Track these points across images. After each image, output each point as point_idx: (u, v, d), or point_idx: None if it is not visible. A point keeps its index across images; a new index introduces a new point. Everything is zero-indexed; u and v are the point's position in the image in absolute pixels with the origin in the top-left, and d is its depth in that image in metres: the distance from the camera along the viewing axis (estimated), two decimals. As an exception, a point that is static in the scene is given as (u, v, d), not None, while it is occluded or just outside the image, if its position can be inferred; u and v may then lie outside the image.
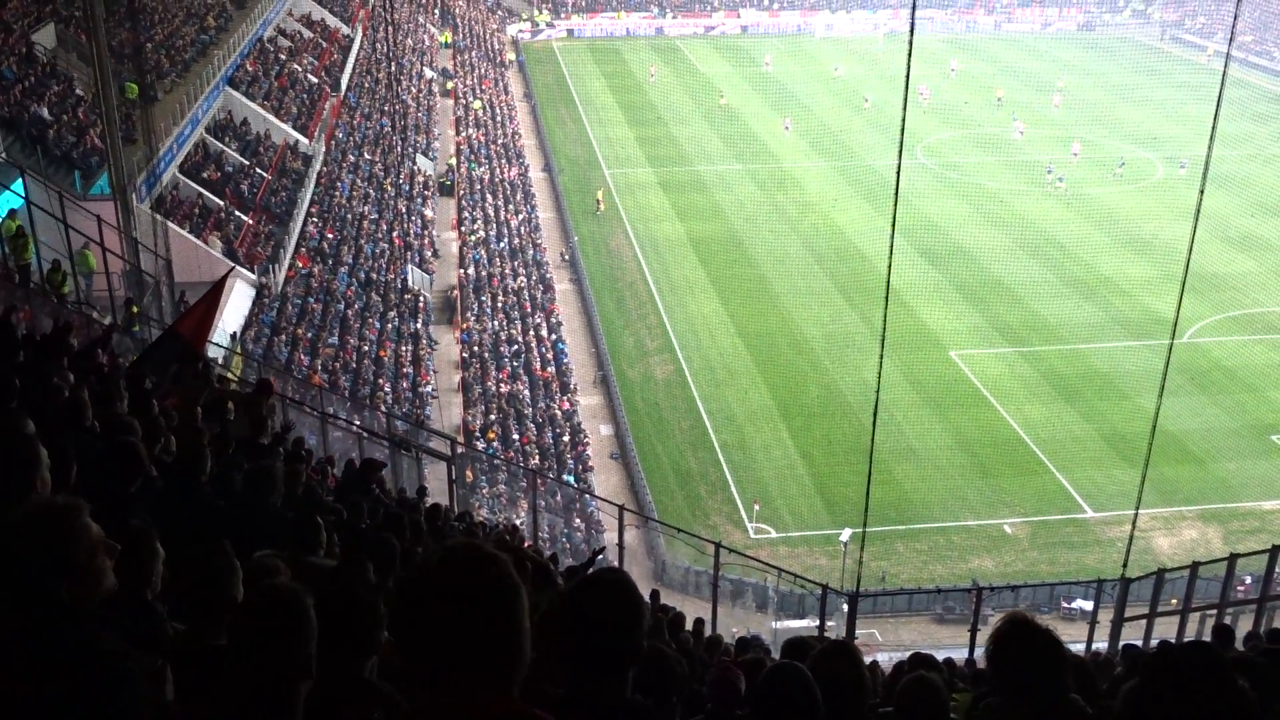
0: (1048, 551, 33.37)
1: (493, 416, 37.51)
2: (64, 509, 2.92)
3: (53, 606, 2.82)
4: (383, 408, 33.16)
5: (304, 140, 51.65)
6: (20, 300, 18.98)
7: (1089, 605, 25.02)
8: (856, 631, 21.15)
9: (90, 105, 34.19)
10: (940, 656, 25.77)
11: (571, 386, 41.19)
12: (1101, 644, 19.97)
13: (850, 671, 4.14)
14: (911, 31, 23.36)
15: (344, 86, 64.19)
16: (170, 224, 33.59)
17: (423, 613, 2.21)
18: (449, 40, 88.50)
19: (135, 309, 23.51)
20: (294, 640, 2.80)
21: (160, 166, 35.38)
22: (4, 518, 2.87)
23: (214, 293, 13.47)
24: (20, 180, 23.37)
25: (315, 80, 60.24)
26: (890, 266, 20.49)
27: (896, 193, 21.54)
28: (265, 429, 10.53)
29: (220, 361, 21.95)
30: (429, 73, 78.89)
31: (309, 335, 37.29)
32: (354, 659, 3.21)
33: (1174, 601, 19.64)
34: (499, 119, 73.13)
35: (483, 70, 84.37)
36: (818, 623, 21.76)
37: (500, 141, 68.59)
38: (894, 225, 22.88)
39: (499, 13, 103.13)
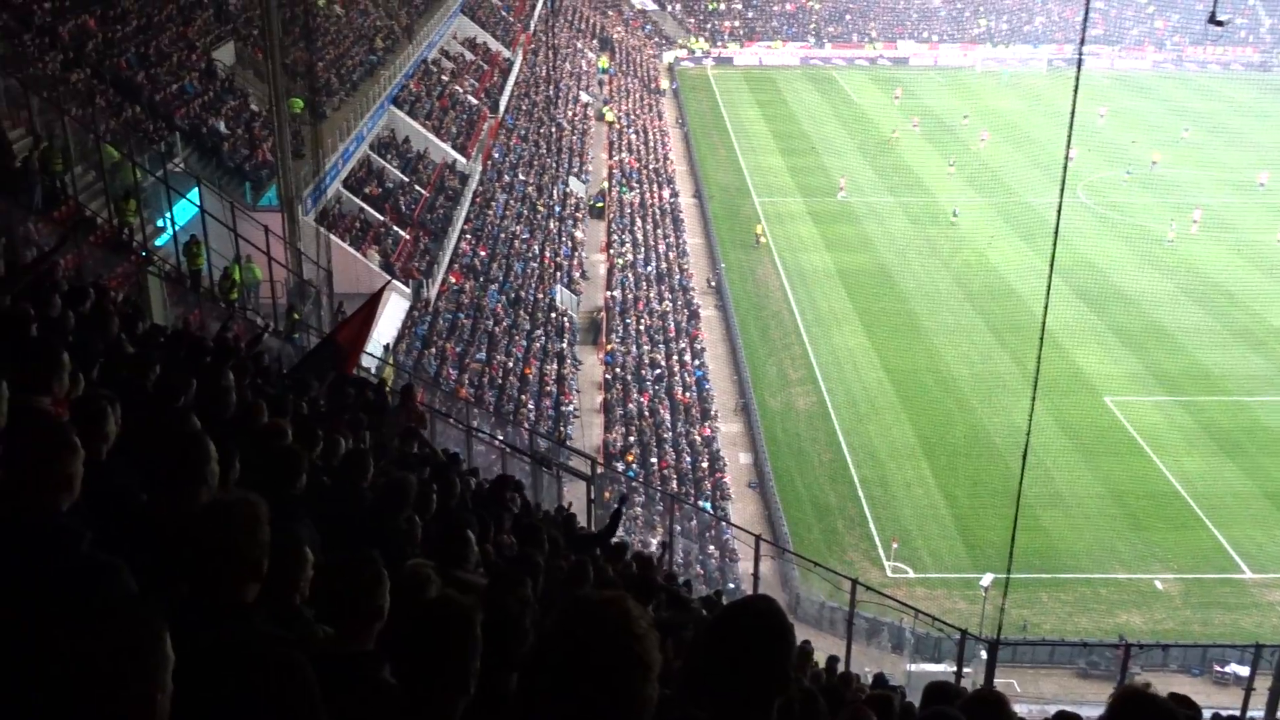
0: (1201, 611, 31.83)
1: (632, 439, 37.65)
2: (249, 505, 3.00)
3: (227, 599, 2.89)
4: (525, 424, 33.60)
5: (462, 159, 52.93)
6: (191, 304, 19.83)
7: (1244, 671, 23.81)
8: (995, 680, 20.48)
9: (264, 121, 35.65)
10: (1084, 714, 24.83)
11: (712, 413, 41.09)
12: (1256, 712, 18.96)
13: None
14: (1079, 67, 22.73)
15: (502, 108, 65.64)
16: (332, 236, 34.75)
17: (549, 677, 2.17)
18: (606, 65, 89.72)
19: (296, 316, 24.36)
20: (461, 655, 2.81)
21: (325, 181, 36.67)
22: (186, 509, 2.95)
23: (371, 305, 13.84)
24: (196, 189, 24.43)
25: (475, 101, 61.73)
26: (1047, 307, 19.90)
27: (1056, 231, 20.96)
28: (416, 437, 10.74)
29: (373, 371, 22.54)
30: (585, 97, 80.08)
31: (458, 350, 38.09)
32: (500, 674, 3.20)
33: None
34: (651, 144, 73.75)
35: (638, 96, 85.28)
36: (954, 668, 21.17)
37: (652, 166, 69.14)
38: (1052, 264, 22.19)
39: (656, 39, 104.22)
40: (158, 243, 22.69)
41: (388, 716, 2.83)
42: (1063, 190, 21.79)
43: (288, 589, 3.43)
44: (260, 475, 4.96)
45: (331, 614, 3.53)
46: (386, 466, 7.66)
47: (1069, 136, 18.43)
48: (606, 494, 24.96)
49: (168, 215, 23.11)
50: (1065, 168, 19.20)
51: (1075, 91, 19.11)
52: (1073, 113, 18.00)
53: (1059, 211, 19.28)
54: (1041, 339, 21.05)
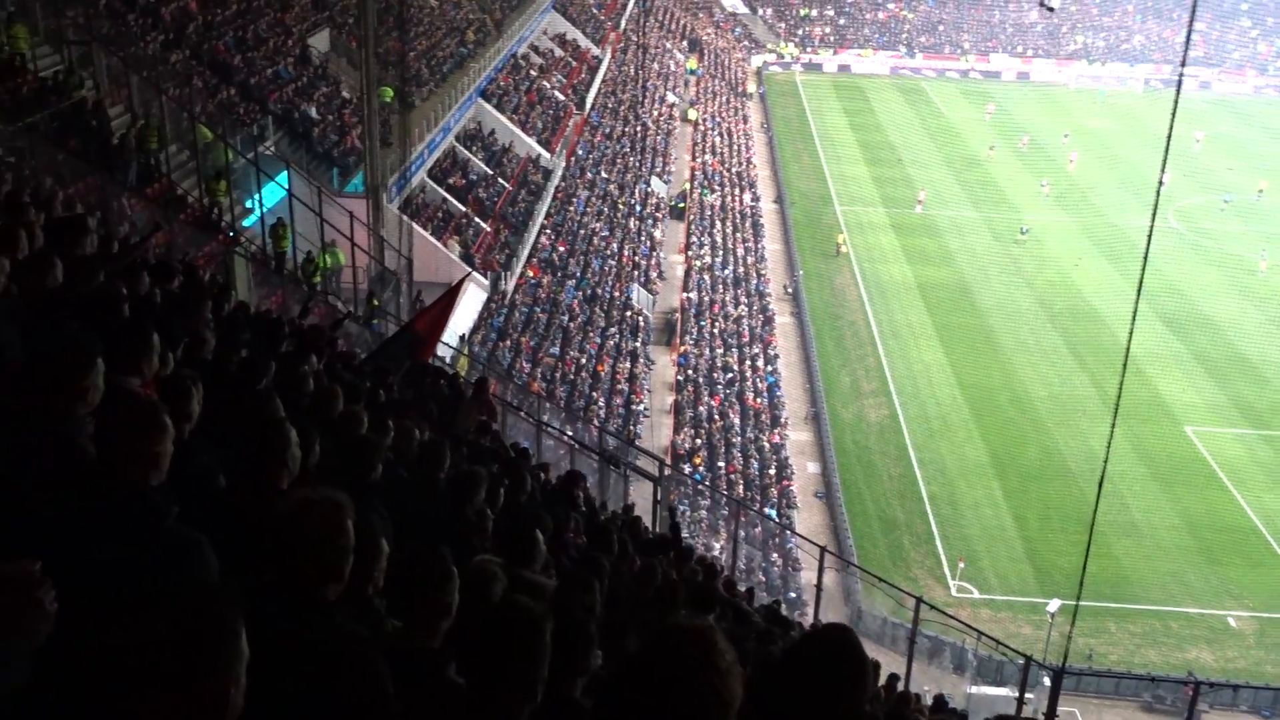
0: (1276, 652, 30.97)
1: (700, 441, 37.58)
2: (335, 507, 3.03)
3: (308, 596, 2.92)
4: (595, 422, 33.70)
5: (546, 154, 53.23)
6: (274, 285, 20.17)
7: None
8: (1058, 709, 20.12)
9: (354, 108, 36.16)
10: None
11: (782, 420, 40.89)
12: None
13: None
14: (1178, 89, 22.22)
15: (589, 105, 65.88)
16: (415, 225, 35.14)
17: (628, 704, 2.14)
18: (694, 67, 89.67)
19: (375, 303, 24.68)
20: (530, 662, 2.81)
21: (411, 170, 37.09)
22: (266, 494, 2.99)
23: (450, 295, 13.96)
24: (285, 173, 24.87)
25: (562, 97, 62.05)
26: (1132, 331, 19.49)
27: (1146, 255, 20.44)
28: (488, 430, 10.81)
29: (447, 361, 22.75)
30: (671, 97, 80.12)
31: (532, 344, 38.31)
32: (565, 680, 3.20)
33: None
34: (735, 147, 73.58)
35: (724, 98, 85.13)
36: (1017, 693, 20.85)
37: (734, 170, 68.99)
38: (1140, 289, 21.75)
39: (745, 43, 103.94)
40: (245, 223, 23.14)
41: (452, 715, 2.84)
42: (1154, 214, 21.33)
43: (362, 580, 3.46)
44: (336, 462, 5.02)
45: (400, 609, 3.56)
46: (458, 459, 7.71)
47: (1164, 159, 18.04)
48: (671, 496, 24.96)
49: (256, 197, 23.53)
50: (1159, 191, 18.75)
51: (1173, 114, 18.69)
52: (1169, 135, 17.57)
53: (1149, 235, 18.78)
54: (1125, 363, 20.64)
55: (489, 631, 2.86)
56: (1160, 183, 20.78)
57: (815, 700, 2.63)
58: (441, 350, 20.44)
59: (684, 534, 15.00)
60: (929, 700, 15.84)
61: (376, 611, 3.67)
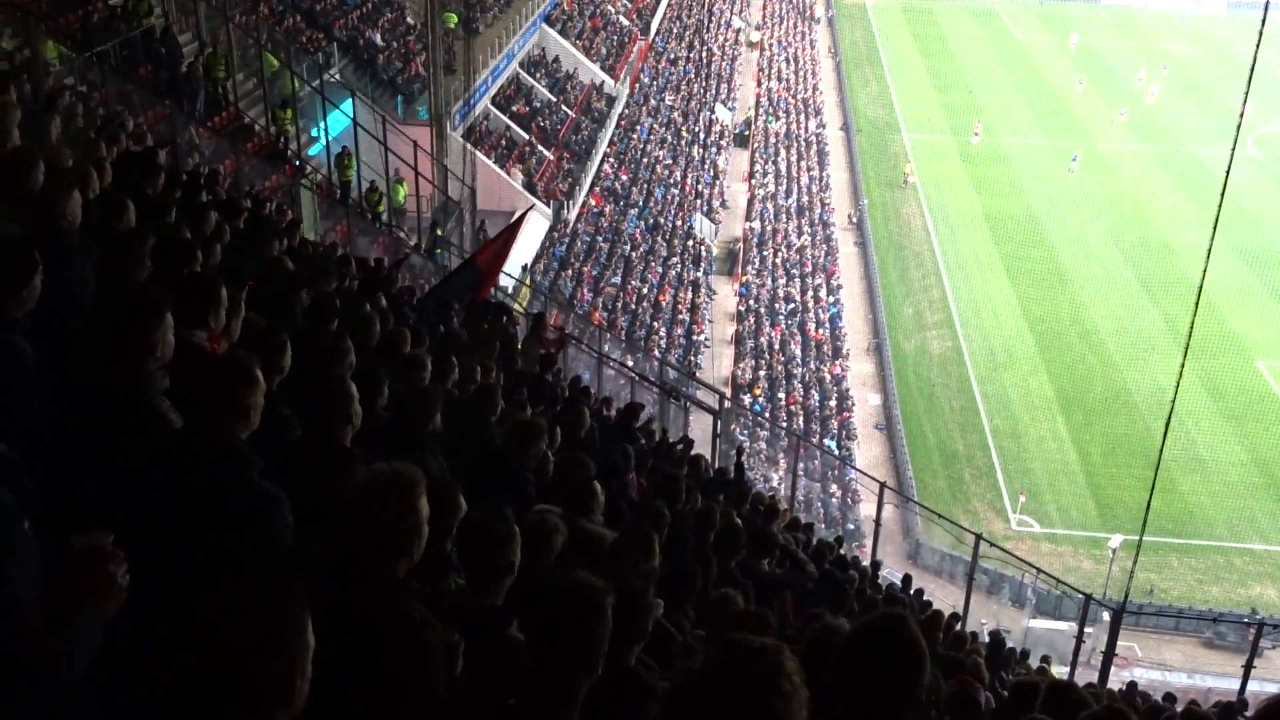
0: (1341, 590, 30.62)
1: (761, 372, 37.53)
2: (406, 483, 3.01)
3: (377, 574, 2.98)
4: (656, 352, 33.79)
5: (610, 81, 52.79)
6: (339, 216, 20.32)
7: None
8: (1117, 643, 20.05)
9: (418, 34, 36.04)
10: (1206, 685, 24.15)
11: (844, 351, 40.69)
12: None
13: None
14: (1266, 10, 21.36)
15: (653, 30, 65.09)
16: (478, 153, 35.14)
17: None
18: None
19: (439, 232, 24.82)
20: (592, 641, 2.85)
21: (475, 97, 37.02)
22: (343, 482, 3.01)
23: (512, 229, 14.02)
24: (350, 101, 24.92)
25: (627, 23, 61.35)
26: (1207, 266, 19.02)
27: (1224, 188, 19.85)
28: (552, 365, 10.90)
29: (509, 292, 22.88)
30: (737, 22, 78.88)
31: (594, 273, 38.34)
32: (622, 647, 3.26)
33: None
34: (801, 73, 72.42)
35: (791, 23, 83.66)
36: (1076, 627, 20.83)
37: (800, 96, 67.98)
38: (1216, 222, 21.16)
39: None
40: (310, 152, 23.27)
41: (513, 674, 2.91)
42: (1235, 145, 20.67)
43: (440, 536, 3.51)
44: (398, 408, 5.09)
45: (464, 567, 3.63)
46: (518, 399, 7.80)
47: (1248, 87, 17.42)
48: (734, 428, 25.02)
49: (321, 125, 23.65)
50: (1240, 121, 18.09)
51: (1260, 37, 17.95)
52: (1254, 61, 16.92)
53: (1229, 167, 18.16)
54: (1198, 298, 20.13)
55: (552, 611, 2.90)
56: (1243, 112, 20.09)
57: (870, 692, 2.64)
58: (504, 281, 20.55)
59: (746, 471, 15.05)
60: (985, 637, 15.87)
61: (450, 564, 3.72)
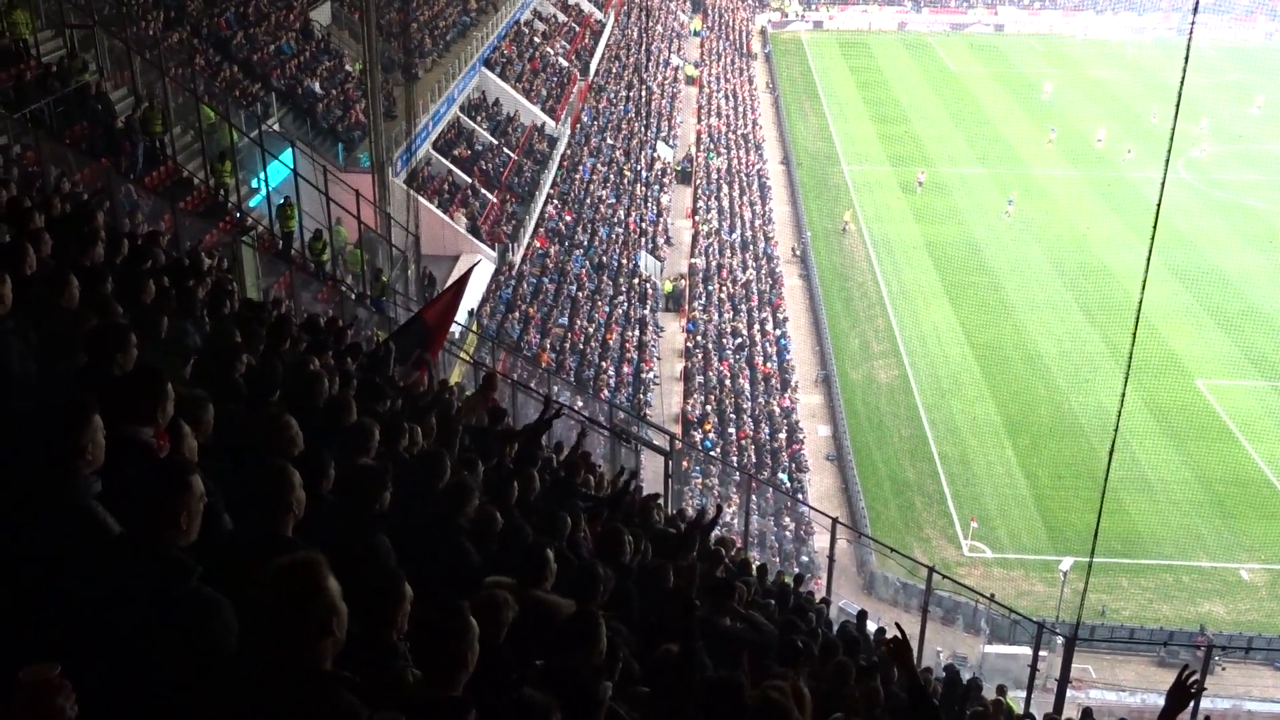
0: (1288, 604, 31.14)
1: (710, 408, 37.64)
2: (307, 569, 2.96)
3: (301, 663, 2.93)
4: (605, 392, 33.77)
5: (551, 122, 53.03)
6: (280, 270, 20.17)
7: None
8: (1071, 666, 20.23)
9: (357, 81, 36.01)
10: (1160, 704, 24.43)
11: (792, 384, 40.93)
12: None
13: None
14: (1190, 37, 21.88)
15: (593, 71, 65.51)
16: (420, 198, 35.08)
17: None
18: (699, 28, 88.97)
19: (384, 280, 24.70)
20: None
21: (416, 142, 37.00)
22: (256, 574, 2.97)
23: (458, 285, 14.00)
24: (290, 151, 24.82)
25: (566, 64, 61.71)
26: (1144, 285, 19.34)
27: (1159, 208, 20.24)
28: (501, 418, 10.86)
29: (456, 338, 22.80)
30: (676, 60, 79.59)
31: (540, 314, 38.32)
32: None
33: None
34: (740, 109, 73.13)
35: (729, 59, 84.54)
36: (1030, 651, 20.98)
37: (740, 131, 68.62)
38: (1152, 242, 21.54)
39: (750, 2, 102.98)
40: (251, 204, 23.10)
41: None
42: (1167, 166, 21.06)
43: (385, 624, 3.48)
44: (344, 489, 4.99)
45: (420, 660, 3.58)
46: (464, 457, 7.74)
47: (1176, 109, 17.79)
48: (684, 464, 25.02)
49: (262, 176, 23.49)
50: (1171, 141, 18.39)
51: (1186, 62, 18.37)
52: (1181, 84, 17.31)
53: (1162, 187, 18.49)
54: (1137, 320, 20.44)
55: None
56: (1172, 133, 20.41)
57: None
58: (451, 328, 20.48)
59: (695, 502, 15.03)
60: (942, 665, 15.94)
61: (402, 656, 3.67)
